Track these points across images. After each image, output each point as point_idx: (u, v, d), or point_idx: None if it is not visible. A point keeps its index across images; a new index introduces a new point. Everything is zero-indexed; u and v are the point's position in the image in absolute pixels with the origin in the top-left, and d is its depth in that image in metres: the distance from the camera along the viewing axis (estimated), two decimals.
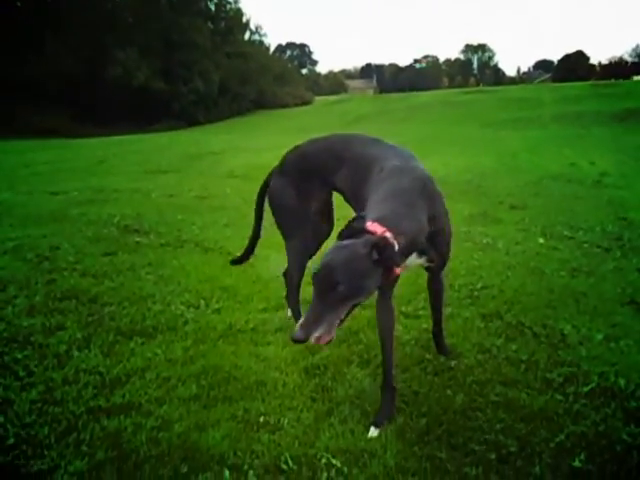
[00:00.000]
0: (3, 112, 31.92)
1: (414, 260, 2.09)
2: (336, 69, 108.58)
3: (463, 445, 1.93)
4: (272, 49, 65.65)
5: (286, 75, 52.51)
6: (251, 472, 1.71)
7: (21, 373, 2.35)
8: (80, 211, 5.69)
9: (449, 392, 2.26)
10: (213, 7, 46.45)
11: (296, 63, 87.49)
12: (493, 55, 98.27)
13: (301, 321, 1.64)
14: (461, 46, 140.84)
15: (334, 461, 1.82)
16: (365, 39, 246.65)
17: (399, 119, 28.16)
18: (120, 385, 2.29)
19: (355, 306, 1.74)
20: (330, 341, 1.67)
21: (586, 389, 2.27)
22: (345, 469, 1.79)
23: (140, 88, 38.11)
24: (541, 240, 4.97)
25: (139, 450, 1.85)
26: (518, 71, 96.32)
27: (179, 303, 3.19)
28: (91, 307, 3.11)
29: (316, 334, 1.61)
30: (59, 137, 25.11)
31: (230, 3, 47.19)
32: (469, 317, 3.04)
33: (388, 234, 1.76)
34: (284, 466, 1.80)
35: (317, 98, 51.37)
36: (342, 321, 1.72)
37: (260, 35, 54.77)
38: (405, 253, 1.89)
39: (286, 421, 2.07)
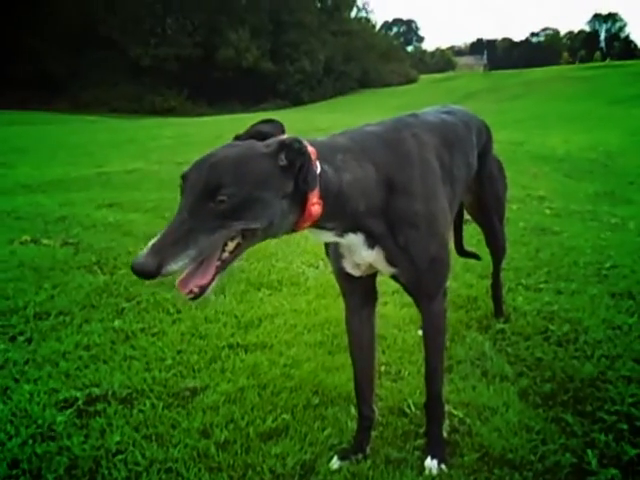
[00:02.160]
0: (134, 93, 35.21)
1: (355, 245, 1.40)
2: (444, 46, 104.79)
3: (591, 413, 1.88)
4: (378, 26, 64.83)
5: (391, 53, 51.75)
6: (376, 411, 1.80)
7: (171, 310, 2.68)
8: None
9: (575, 362, 2.19)
10: None
11: (402, 40, 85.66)
12: (624, 25, 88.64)
13: (153, 241, 1.04)
14: (586, 17, 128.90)
15: (455, 412, 1.86)
16: (477, 13, 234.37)
17: (511, 96, 26.64)
18: (253, 327, 2.52)
19: (249, 241, 1.16)
20: (204, 289, 1.12)
21: None
22: (467, 420, 1.83)
23: (249, 69, 39.62)
24: None
25: (275, 382, 2.04)
26: None
27: (300, 262, 3.39)
28: None
29: (175, 265, 1.03)
30: (177, 115, 26.99)
31: None
32: (596, 294, 2.90)
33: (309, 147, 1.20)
34: (407, 410, 1.88)
35: (423, 76, 50.02)
36: (227, 260, 1.15)
37: (367, 12, 54.41)
38: (327, 210, 1.25)
39: (407, 372, 2.14)
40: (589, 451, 1.67)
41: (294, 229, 1.26)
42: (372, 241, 1.40)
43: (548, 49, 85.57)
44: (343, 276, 1.58)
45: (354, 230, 1.38)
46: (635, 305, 2.76)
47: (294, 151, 1.15)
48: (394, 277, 1.52)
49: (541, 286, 3.01)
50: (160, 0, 39.78)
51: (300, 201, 1.20)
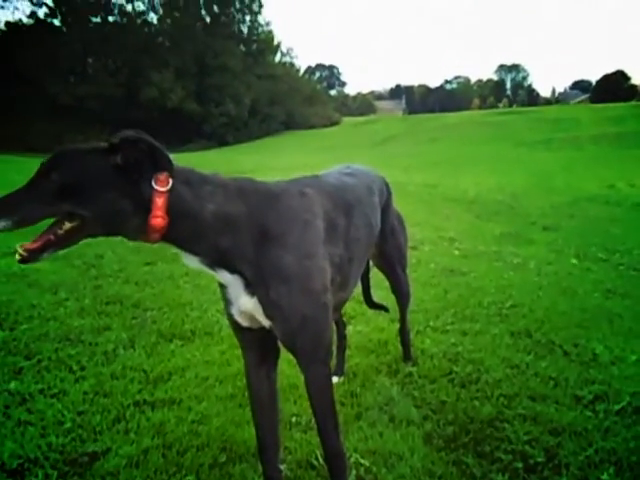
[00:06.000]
0: (53, 132, 33.65)
1: (235, 288, 1.44)
2: (365, 90, 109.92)
3: (490, 453, 1.98)
4: (302, 71, 66.86)
5: (315, 96, 53.47)
6: (284, 466, 1.79)
7: (74, 367, 2.54)
8: None
9: (476, 403, 2.31)
10: (246, 30, 47.92)
11: (325, 84, 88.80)
12: (527, 75, 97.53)
13: None
14: (494, 66, 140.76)
15: (362, 460, 1.89)
16: (395, 60, 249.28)
17: (428, 139, 28.24)
18: (162, 382, 2.44)
19: (85, 228, 1.24)
20: (32, 255, 1.21)
21: (617, 407, 2.27)
22: (374, 468, 1.86)
23: (174, 109, 39.37)
24: (574, 261, 4.96)
25: (181, 440, 1.98)
26: (553, 92, 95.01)
27: (215, 310, 3.34)
28: (134, 311, 3.32)
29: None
30: None
31: (262, 26, 48.66)
32: (497, 334, 3.08)
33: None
34: (315, 462, 1.89)
35: (345, 119, 51.96)
36: (62, 240, 1.23)
37: (291, 57, 56.09)
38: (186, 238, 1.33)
39: None
40: None
41: (145, 238, 1.31)
42: (251, 289, 1.42)
43: (460, 95, 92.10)
44: (235, 325, 1.57)
45: (229, 269, 1.40)
46: (532, 343, 2.96)
47: (127, 150, 1.23)
48: (273, 332, 1.50)
49: (448, 328, 3.16)
50: (80, 39, 38.91)
51: (144, 207, 1.26)
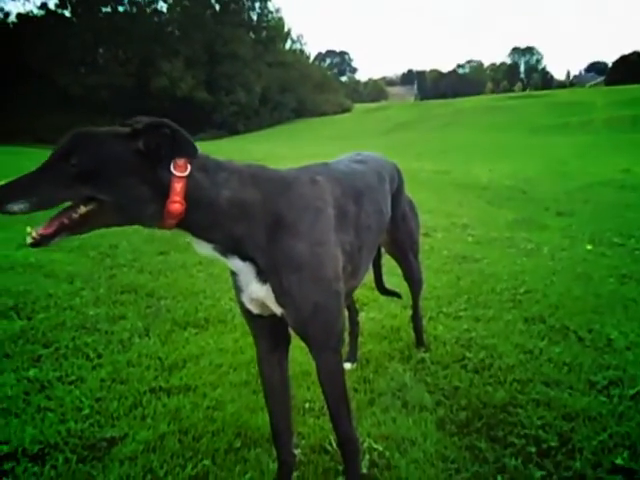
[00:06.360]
0: (64, 122, 33.84)
1: (246, 275, 1.44)
2: (376, 76, 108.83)
3: (503, 438, 1.98)
4: (312, 57, 66.35)
5: (326, 83, 53.08)
6: (298, 450, 1.82)
7: (91, 355, 2.59)
8: None
9: (489, 389, 2.31)
10: (255, 17, 47.62)
11: (336, 71, 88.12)
12: (541, 58, 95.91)
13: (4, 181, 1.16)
14: (507, 49, 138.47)
15: (376, 445, 1.91)
16: (406, 45, 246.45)
17: (440, 125, 27.95)
18: (177, 369, 2.48)
19: (102, 214, 1.22)
20: (44, 238, 1.19)
21: (632, 392, 2.26)
22: (387, 453, 1.88)
23: (184, 98, 39.37)
24: (589, 246, 4.91)
25: (197, 426, 2.02)
26: (568, 75, 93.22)
27: (228, 299, 3.36)
28: (149, 300, 3.36)
29: (15, 206, 1.13)
30: None
31: (272, 13, 48.30)
32: (511, 319, 3.08)
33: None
34: (328, 447, 1.91)
35: (357, 106, 51.61)
36: (77, 223, 1.21)
37: (301, 44, 55.57)
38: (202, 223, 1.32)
39: None
40: (499, 477, 1.76)
41: (161, 224, 1.30)
42: (263, 276, 1.42)
43: (473, 80, 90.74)
44: (246, 313, 1.58)
45: (241, 256, 1.40)
46: (545, 329, 2.95)
47: (150, 137, 1.22)
48: (284, 319, 1.51)
49: (461, 314, 3.16)
50: (90, 29, 38.99)
51: (162, 193, 1.25)
